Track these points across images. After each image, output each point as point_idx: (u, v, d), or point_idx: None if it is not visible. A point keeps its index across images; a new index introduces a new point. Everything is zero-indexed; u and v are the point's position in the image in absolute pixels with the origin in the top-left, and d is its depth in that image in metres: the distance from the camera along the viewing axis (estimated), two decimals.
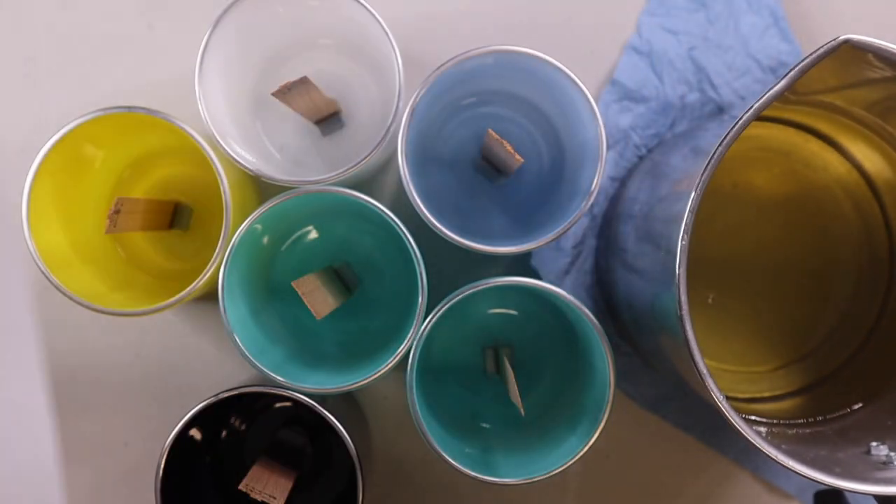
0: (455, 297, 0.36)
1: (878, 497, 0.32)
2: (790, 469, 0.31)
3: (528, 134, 0.42)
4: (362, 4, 0.37)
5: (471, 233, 0.37)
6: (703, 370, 0.31)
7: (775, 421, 0.40)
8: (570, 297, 0.36)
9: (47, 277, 0.36)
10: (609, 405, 0.36)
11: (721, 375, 0.43)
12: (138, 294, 0.40)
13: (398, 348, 0.36)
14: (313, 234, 0.43)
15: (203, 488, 0.41)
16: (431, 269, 0.37)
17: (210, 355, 0.45)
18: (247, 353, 0.36)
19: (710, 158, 0.31)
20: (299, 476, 0.39)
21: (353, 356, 0.41)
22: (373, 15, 0.37)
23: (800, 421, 0.39)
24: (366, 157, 0.36)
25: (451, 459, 0.35)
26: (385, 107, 0.41)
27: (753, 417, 0.40)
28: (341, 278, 0.41)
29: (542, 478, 0.36)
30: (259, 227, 0.37)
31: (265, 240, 0.40)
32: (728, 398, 0.31)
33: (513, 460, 0.38)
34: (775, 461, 0.31)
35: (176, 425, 0.36)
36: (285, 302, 0.42)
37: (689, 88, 0.45)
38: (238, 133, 0.39)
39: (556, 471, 0.36)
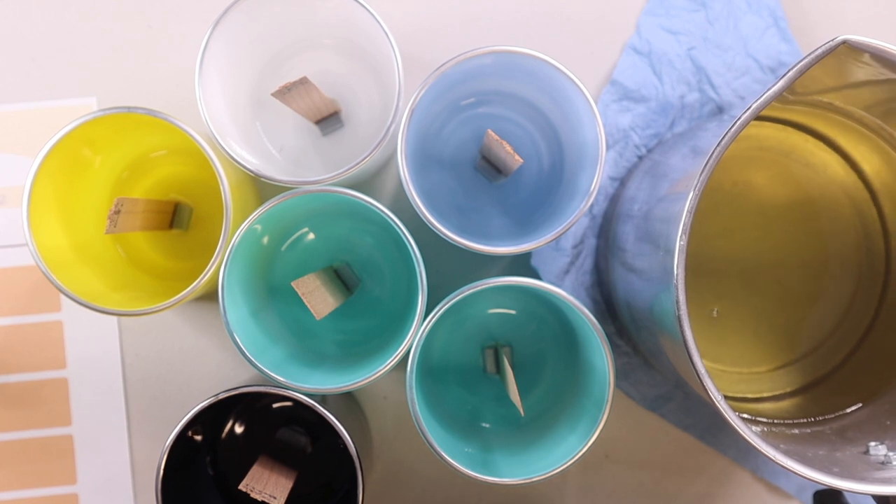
0: (455, 297, 0.36)
1: (876, 497, 0.32)
2: (788, 469, 0.31)
3: (527, 134, 0.42)
4: (362, 4, 0.37)
5: (471, 233, 0.37)
6: (702, 370, 0.31)
7: (774, 421, 0.40)
8: (569, 297, 0.36)
9: (48, 277, 0.36)
10: (609, 405, 0.36)
11: (720, 376, 0.43)
12: (138, 294, 0.40)
13: (398, 348, 0.36)
14: (313, 235, 0.43)
15: (203, 488, 0.41)
16: (431, 269, 0.37)
17: (210, 355, 0.45)
18: (247, 353, 0.36)
19: (709, 158, 0.31)
20: (299, 476, 0.39)
21: (353, 356, 0.41)
22: (373, 15, 0.37)
23: (798, 421, 0.40)
24: (366, 157, 0.36)
25: (451, 459, 0.35)
26: (385, 107, 0.41)
27: (752, 417, 0.40)
28: (341, 278, 0.41)
29: (542, 478, 0.36)
30: (259, 227, 0.37)
31: (265, 240, 0.40)
32: (727, 398, 0.31)
33: (513, 460, 0.38)
34: (774, 461, 0.31)
35: (176, 425, 0.36)
36: (285, 302, 0.42)
37: (688, 88, 0.45)
38: (238, 133, 0.39)
39: (556, 471, 0.36)
